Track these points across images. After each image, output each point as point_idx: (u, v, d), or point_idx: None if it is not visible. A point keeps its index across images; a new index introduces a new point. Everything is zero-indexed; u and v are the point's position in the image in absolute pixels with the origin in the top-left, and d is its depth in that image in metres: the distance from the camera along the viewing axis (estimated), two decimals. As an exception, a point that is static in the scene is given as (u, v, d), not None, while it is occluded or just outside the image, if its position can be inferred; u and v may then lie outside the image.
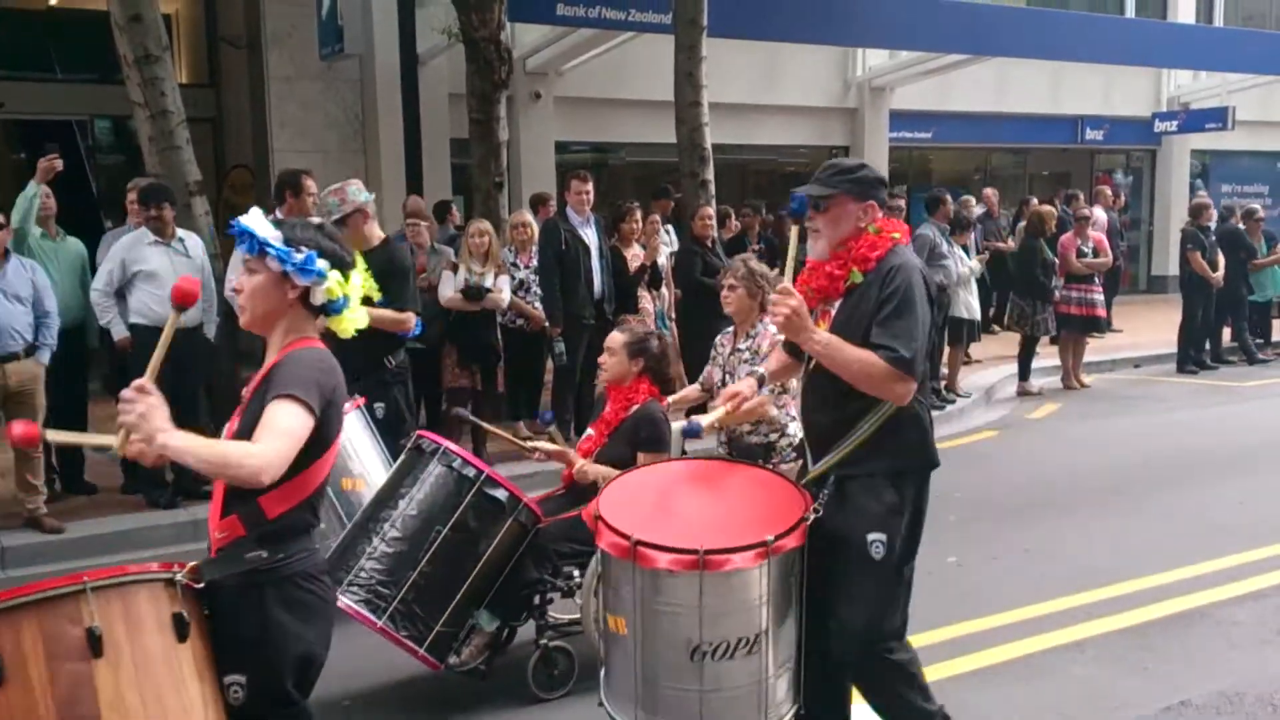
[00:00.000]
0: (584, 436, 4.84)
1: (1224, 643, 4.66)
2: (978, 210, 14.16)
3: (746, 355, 4.69)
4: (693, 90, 10.21)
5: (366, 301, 4.78)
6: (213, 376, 7.43)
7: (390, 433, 5.25)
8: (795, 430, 4.33)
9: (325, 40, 12.11)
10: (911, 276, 3.16)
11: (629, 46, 12.93)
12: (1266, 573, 5.48)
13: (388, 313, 5.23)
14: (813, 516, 3.13)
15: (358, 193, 5.56)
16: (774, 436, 4.64)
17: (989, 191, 14.72)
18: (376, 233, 5.66)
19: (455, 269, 7.70)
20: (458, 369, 7.67)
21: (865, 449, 3.21)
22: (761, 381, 3.61)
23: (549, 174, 13.29)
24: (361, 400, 5.06)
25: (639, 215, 8.70)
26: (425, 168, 10.45)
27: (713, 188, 10.39)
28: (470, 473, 4.13)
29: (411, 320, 5.53)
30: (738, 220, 10.96)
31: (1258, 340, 13.04)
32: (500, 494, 4.14)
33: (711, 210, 9.34)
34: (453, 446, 4.21)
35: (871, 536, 3.19)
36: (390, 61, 11.32)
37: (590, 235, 8.04)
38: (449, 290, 7.57)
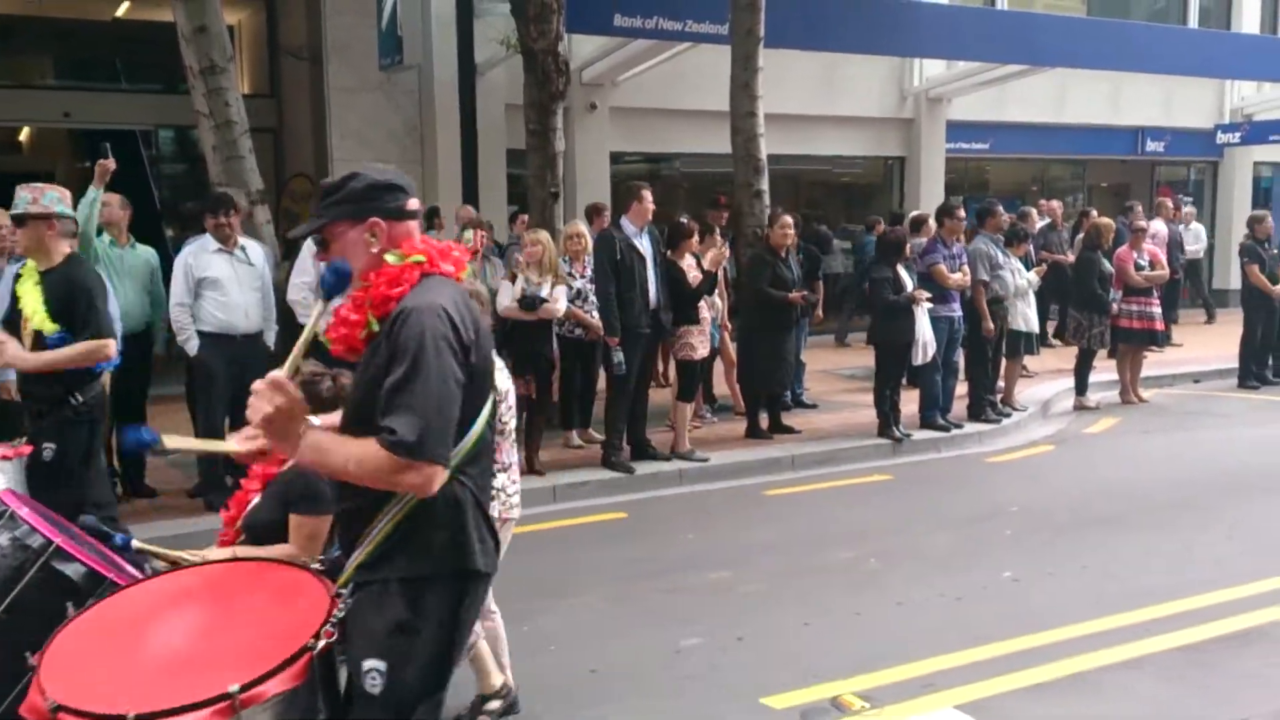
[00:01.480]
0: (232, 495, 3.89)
1: (1284, 662, 4.59)
2: (1040, 222, 14.05)
3: None
4: (748, 101, 10.23)
5: (39, 343, 4.71)
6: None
7: (60, 481, 4.69)
8: (502, 480, 3.81)
9: (385, 51, 12.30)
10: (424, 322, 2.44)
11: (684, 57, 12.99)
12: (1330, 593, 5.38)
13: (65, 352, 4.77)
14: (321, 644, 2.44)
15: (54, 202, 4.91)
16: None
17: (1054, 203, 14.59)
18: (62, 249, 4.97)
19: (514, 279, 7.79)
20: (512, 377, 7.73)
21: (383, 548, 2.56)
22: None
23: (604, 184, 13.38)
24: (25, 448, 4.44)
25: (698, 230, 8.76)
26: (481, 178, 10.57)
27: (768, 198, 10.39)
28: (36, 542, 3.28)
29: (109, 348, 4.91)
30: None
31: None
32: (72, 569, 3.26)
33: (790, 220, 9.30)
34: (23, 511, 3.36)
35: (368, 664, 2.50)
36: (448, 72, 11.47)
37: (645, 245, 8.08)
38: (506, 300, 7.66)
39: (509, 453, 4.05)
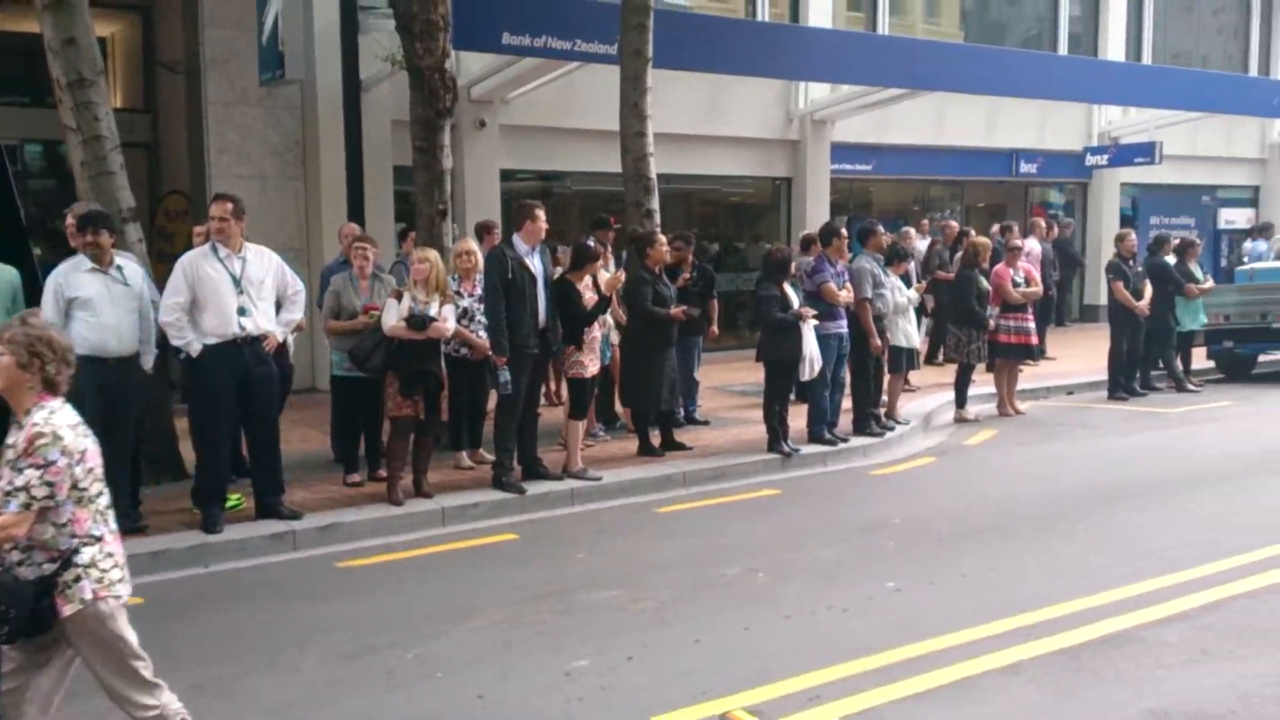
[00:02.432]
0: None
1: (1153, 663, 4.77)
2: (920, 242, 14.46)
3: (10, 454, 3.41)
4: (638, 121, 10.30)
5: None
6: (145, 406, 7.32)
7: None
8: (90, 555, 3.46)
9: (266, 66, 12.05)
10: None
11: (575, 76, 13.04)
12: (1192, 594, 5.61)
13: None
14: None
15: None
16: (51, 567, 3.43)
17: (952, 223, 15.06)
18: None
19: (399, 297, 7.68)
20: (400, 398, 7.61)
21: None
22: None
23: (494, 202, 13.32)
24: None
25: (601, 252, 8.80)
26: (368, 195, 10.41)
27: (658, 217, 10.47)
28: None
29: None
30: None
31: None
32: None
33: (664, 239, 9.40)
34: None
35: None
36: (332, 88, 11.29)
37: (536, 265, 8.04)
38: (392, 318, 7.54)
39: (96, 524, 3.52)
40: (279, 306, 7.24)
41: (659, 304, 8.95)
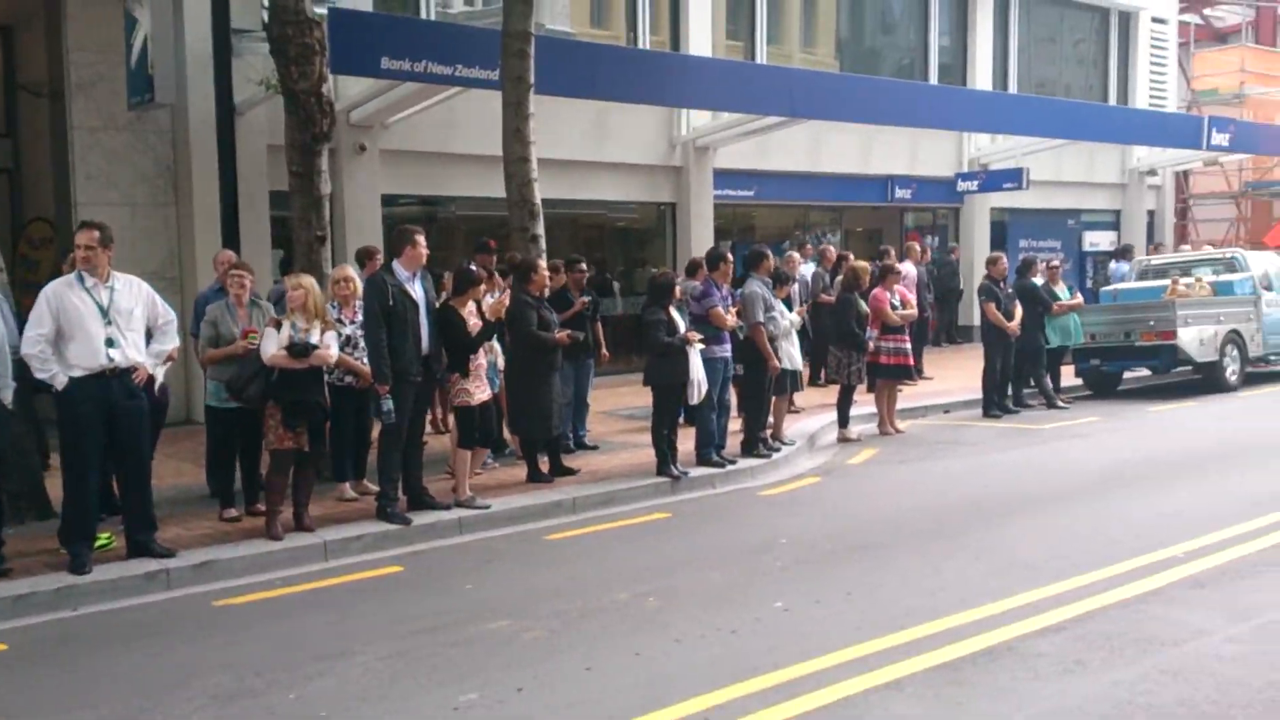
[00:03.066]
0: None
1: (1030, 674, 4.90)
2: (803, 265, 14.72)
3: None
4: (521, 146, 10.28)
5: None
6: (6, 441, 6.99)
7: None
8: None
9: (134, 89, 11.69)
10: None
11: (458, 100, 12.96)
12: (1065, 605, 5.79)
13: None
14: None
15: None
16: None
17: (830, 248, 15.40)
18: None
19: (278, 325, 7.49)
20: (282, 429, 7.41)
21: None
22: None
23: (375, 227, 13.13)
24: None
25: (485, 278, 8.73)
26: (243, 221, 10.14)
27: (544, 242, 10.46)
28: None
29: None
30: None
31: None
32: None
33: (545, 265, 9.41)
34: None
35: None
36: (205, 112, 11.00)
37: (418, 290, 7.94)
38: (272, 347, 7.35)
39: None
40: (149, 337, 6.99)
41: (543, 329, 8.93)
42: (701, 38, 16.57)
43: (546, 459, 9.34)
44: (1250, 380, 14.88)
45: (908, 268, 15.21)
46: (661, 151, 16.41)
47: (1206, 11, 30.69)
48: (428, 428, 8.99)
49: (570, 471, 9.35)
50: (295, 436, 7.44)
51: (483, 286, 8.51)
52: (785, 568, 6.82)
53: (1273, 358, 15.50)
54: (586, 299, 10.18)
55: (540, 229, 10.40)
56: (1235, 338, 14.47)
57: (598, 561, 7.24)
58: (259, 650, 5.61)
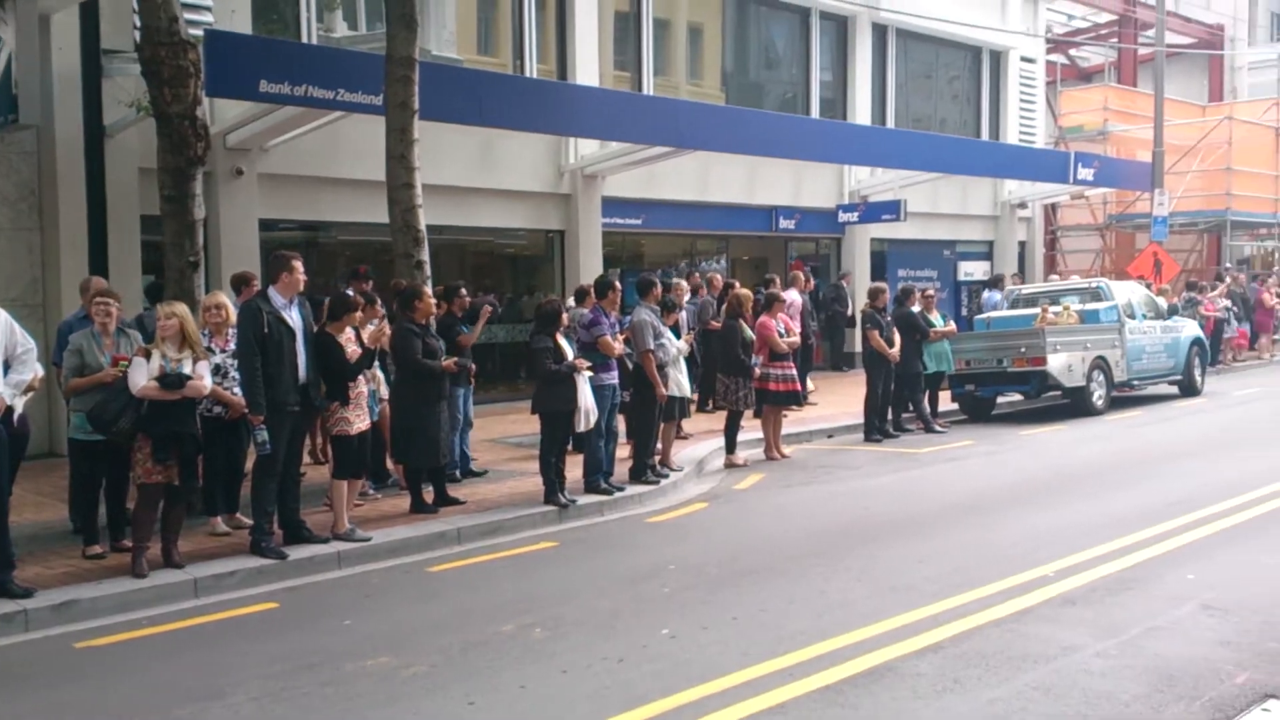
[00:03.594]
0: None
1: (909, 693, 4.98)
2: (687, 296, 14.84)
3: None
4: (405, 172, 10.16)
5: None
6: None
7: None
8: None
9: (-3, 109, 11.20)
10: None
11: (341, 124, 12.76)
12: (943, 625, 5.92)
13: None
14: None
15: None
16: None
17: (717, 275, 15.55)
18: None
19: (148, 355, 7.21)
20: (152, 463, 7.13)
21: None
22: None
23: (252, 253, 12.79)
24: None
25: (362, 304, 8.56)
26: (112, 246, 9.78)
27: (428, 269, 10.33)
28: None
29: None
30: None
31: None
32: None
33: (430, 292, 9.30)
34: None
35: None
36: (72, 133, 10.61)
37: (294, 318, 7.75)
38: (142, 378, 7.07)
39: None
40: (7, 367, 6.66)
41: (429, 357, 8.81)
42: (589, 67, 16.66)
43: (431, 489, 9.18)
44: (1115, 404, 15.50)
45: (794, 296, 15.46)
46: (549, 179, 16.40)
47: (1072, 52, 32.12)
48: (305, 458, 8.76)
49: (456, 501, 9.21)
50: (166, 469, 7.17)
51: (359, 313, 8.35)
52: (673, 594, 6.82)
53: (1136, 383, 16.19)
54: (490, 298, 10.04)
55: (425, 255, 10.27)
56: (1101, 364, 15.07)
57: (483, 593, 7.13)
58: (124, 694, 5.36)
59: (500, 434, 13.07)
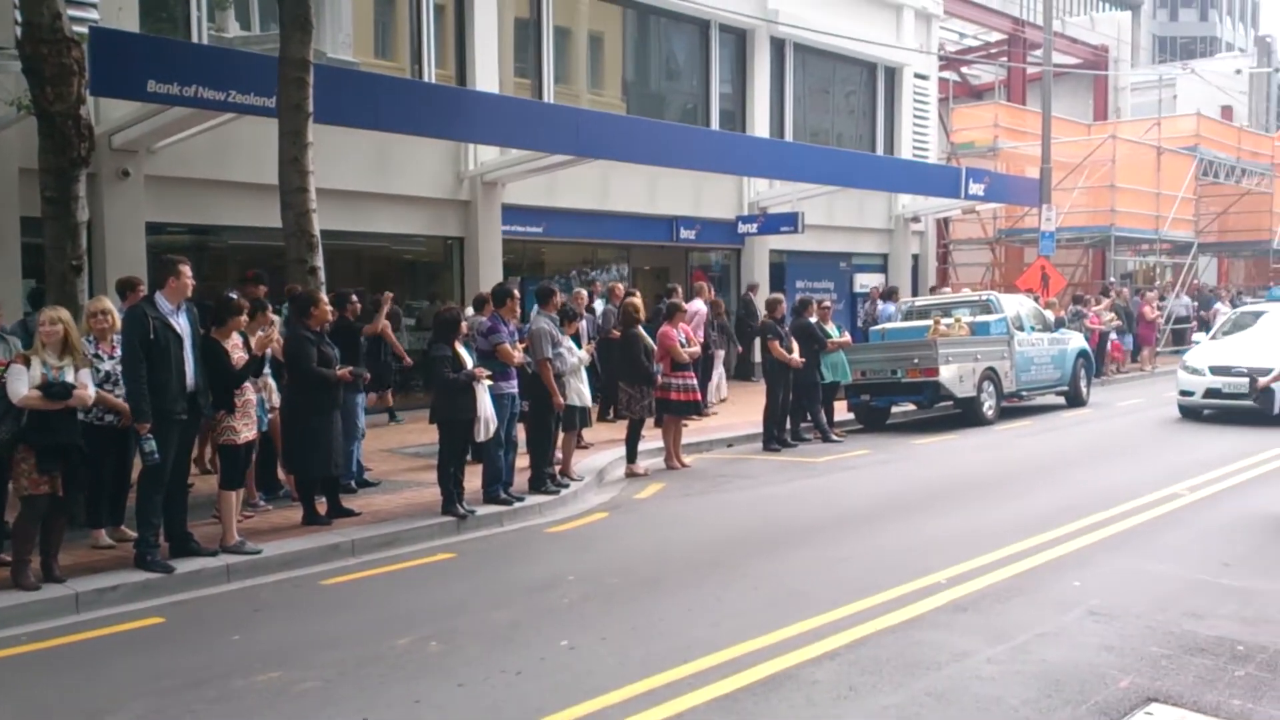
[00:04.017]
0: None
1: (805, 701, 5.03)
2: (599, 305, 14.84)
3: None
4: (299, 176, 9.94)
5: None
6: None
7: None
8: None
9: None
10: None
11: (233, 126, 12.43)
12: (839, 632, 5.99)
13: None
14: None
15: None
16: None
17: (618, 285, 15.53)
18: None
19: (27, 362, 6.91)
20: (36, 474, 6.84)
21: None
22: None
23: (139, 257, 12.37)
24: None
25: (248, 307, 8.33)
26: (-11, 249, 9.37)
27: (323, 275, 10.12)
28: None
29: None
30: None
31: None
32: None
33: (325, 298, 9.12)
34: None
35: None
36: (-53, 131, 10.12)
37: (182, 324, 7.52)
38: (23, 387, 6.77)
39: None
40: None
41: (323, 365, 8.63)
42: (488, 73, 16.54)
43: (324, 500, 8.98)
44: (1005, 414, 15.94)
45: (698, 305, 15.56)
46: (448, 185, 16.23)
47: (964, 70, 33.07)
48: (193, 468, 8.49)
49: (350, 513, 9.02)
50: (49, 480, 6.90)
51: (245, 318, 8.13)
52: (572, 605, 6.78)
53: (1024, 393, 16.69)
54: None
55: (319, 261, 10.06)
56: (991, 375, 15.50)
57: (377, 606, 6.99)
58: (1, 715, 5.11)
59: (397, 444, 12.88)
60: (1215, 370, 15.02)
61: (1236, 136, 32.41)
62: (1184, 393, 15.43)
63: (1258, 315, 17.01)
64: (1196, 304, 28.23)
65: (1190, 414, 15.44)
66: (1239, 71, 45.93)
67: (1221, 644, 5.70)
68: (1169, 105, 37.68)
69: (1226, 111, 40.62)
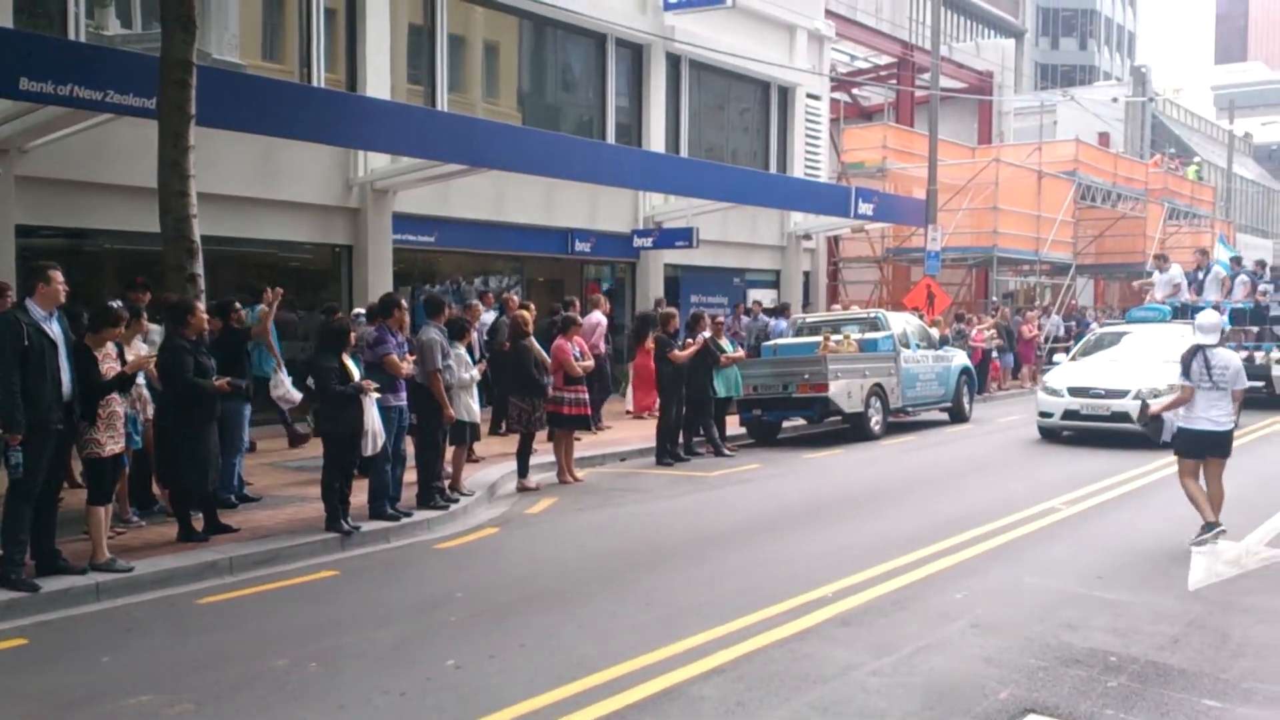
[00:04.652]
0: None
1: (692, 718, 5.01)
2: (488, 317, 14.66)
3: None
4: (179, 180, 9.62)
5: None
6: None
7: None
8: None
9: None
10: None
11: (110, 127, 11.96)
12: (728, 647, 6.00)
13: None
14: None
15: None
16: None
17: (513, 296, 15.39)
18: None
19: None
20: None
21: None
22: None
23: (8, 261, 11.81)
24: None
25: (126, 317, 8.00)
26: None
27: (203, 282, 9.79)
28: None
29: None
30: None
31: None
32: None
33: (202, 307, 8.82)
34: None
35: None
36: None
37: (55, 330, 7.20)
38: None
39: None
40: None
41: (201, 376, 8.34)
42: (380, 80, 16.27)
43: (201, 516, 8.67)
44: (891, 429, 16.28)
45: (598, 318, 15.51)
46: (337, 192, 15.89)
47: (855, 91, 33.81)
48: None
49: (228, 529, 8.72)
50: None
51: (121, 328, 7.81)
52: (460, 622, 6.66)
53: (910, 409, 17.06)
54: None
55: (199, 268, 9.73)
56: (879, 390, 15.80)
57: (256, 626, 6.76)
58: None
59: (280, 458, 12.53)
60: (1074, 391, 14.86)
61: (1113, 163, 33.85)
62: (1043, 414, 15.24)
63: (1120, 336, 16.85)
64: (1075, 323, 29.34)
65: (1050, 435, 15.32)
66: (1115, 100, 48.03)
67: (1095, 655, 5.88)
68: (1049, 131, 39.17)
69: (1104, 138, 42.45)
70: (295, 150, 14.55)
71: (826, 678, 5.52)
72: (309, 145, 14.36)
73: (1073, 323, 28.74)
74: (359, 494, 9.36)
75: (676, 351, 13.32)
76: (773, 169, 25.06)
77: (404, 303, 9.91)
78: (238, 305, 10.00)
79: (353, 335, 9.38)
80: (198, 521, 8.59)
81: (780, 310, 21.40)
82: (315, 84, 15.54)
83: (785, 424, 16.16)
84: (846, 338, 16.43)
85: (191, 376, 8.27)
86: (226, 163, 13.46)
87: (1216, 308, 18.76)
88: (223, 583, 7.74)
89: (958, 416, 17.94)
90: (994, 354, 23.18)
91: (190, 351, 8.36)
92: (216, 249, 12.54)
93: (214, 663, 5.91)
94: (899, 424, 17.08)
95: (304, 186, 15.31)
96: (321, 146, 14.75)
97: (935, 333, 18.45)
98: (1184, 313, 17.88)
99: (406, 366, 9.49)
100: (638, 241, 21.13)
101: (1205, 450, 8.58)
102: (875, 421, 15.68)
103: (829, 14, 27.85)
